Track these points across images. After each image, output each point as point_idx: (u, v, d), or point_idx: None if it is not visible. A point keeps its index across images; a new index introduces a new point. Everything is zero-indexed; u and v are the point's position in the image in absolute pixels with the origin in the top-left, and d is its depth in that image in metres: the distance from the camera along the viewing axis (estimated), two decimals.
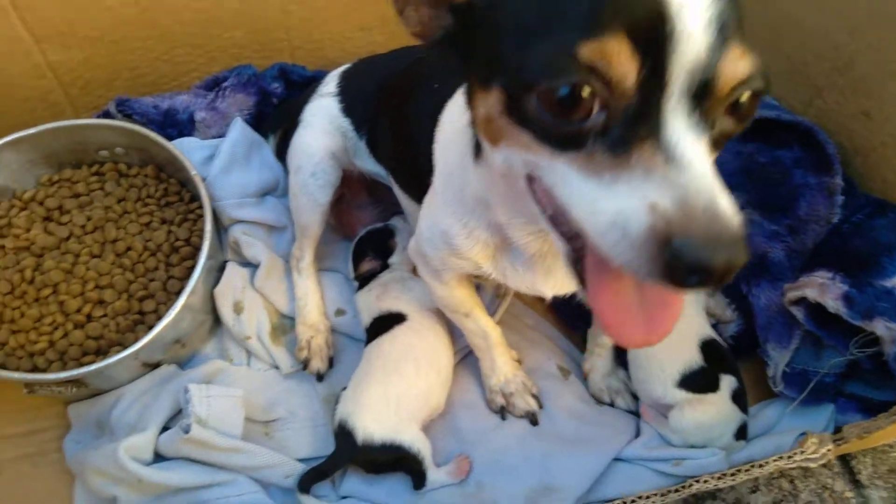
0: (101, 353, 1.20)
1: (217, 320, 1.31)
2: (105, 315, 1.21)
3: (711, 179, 0.51)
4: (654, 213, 0.50)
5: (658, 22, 0.50)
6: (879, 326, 1.14)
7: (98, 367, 1.09)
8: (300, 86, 1.50)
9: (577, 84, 0.52)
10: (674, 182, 0.50)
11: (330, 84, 1.32)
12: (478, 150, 0.78)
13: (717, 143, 0.58)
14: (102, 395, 1.21)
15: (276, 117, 1.48)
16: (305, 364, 1.27)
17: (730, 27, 0.52)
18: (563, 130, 0.55)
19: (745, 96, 0.56)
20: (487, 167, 0.76)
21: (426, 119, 0.97)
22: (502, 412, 1.24)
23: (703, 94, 0.53)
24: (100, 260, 1.25)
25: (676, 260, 0.49)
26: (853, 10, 1.32)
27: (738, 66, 0.53)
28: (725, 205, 0.51)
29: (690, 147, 0.52)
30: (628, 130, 0.53)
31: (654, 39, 0.50)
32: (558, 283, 0.94)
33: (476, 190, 0.85)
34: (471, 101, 0.68)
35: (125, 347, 1.19)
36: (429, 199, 1.00)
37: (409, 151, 1.07)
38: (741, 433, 1.21)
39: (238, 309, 1.26)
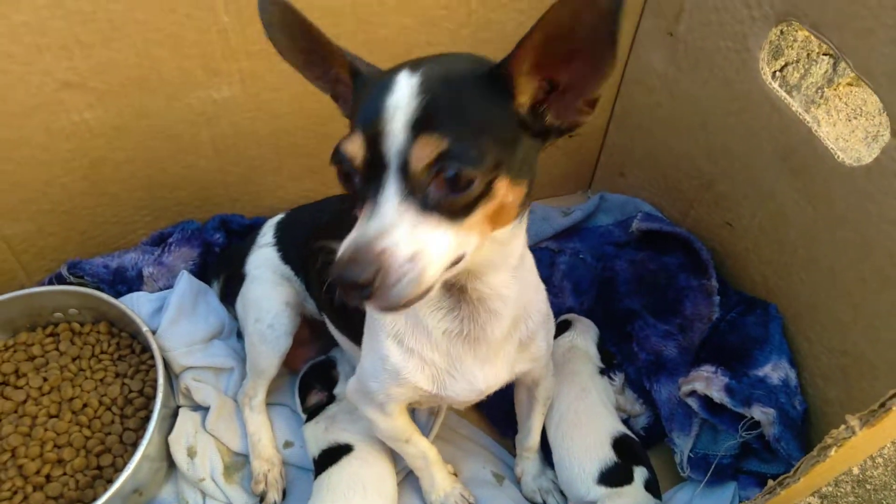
0: None
1: (172, 465, 1.37)
2: (64, 474, 1.26)
3: (387, 223, 0.71)
4: (345, 245, 0.72)
5: (377, 126, 0.72)
6: (756, 412, 1.30)
7: None
8: (239, 233, 1.64)
9: (339, 163, 0.77)
10: (363, 227, 0.71)
11: (267, 234, 1.44)
12: None
13: (456, 210, 0.74)
14: None
15: (218, 264, 1.60)
16: (262, 497, 1.33)
17: (426, 125, 0.71)
18: (346, 188, 0.79)
19: (448, 172, 0.74)
20: None
21: None
22: None
23: (406, 171, 0.72)
24: (57, 420, 1.31)
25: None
26: (709, 140, 1.57)
27: (422, 152, 0.71)
28: (383, 241, 0.70)
29: (389, 204, 0.72)
30: (366, 190, 0.74)
31: (375, 137, 0.72)
32: (489, 374, 1.05)
33: None
34: None
35: None
36: (366, 333, 1.10)
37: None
38: None
39: (191, 453, 1.33)
